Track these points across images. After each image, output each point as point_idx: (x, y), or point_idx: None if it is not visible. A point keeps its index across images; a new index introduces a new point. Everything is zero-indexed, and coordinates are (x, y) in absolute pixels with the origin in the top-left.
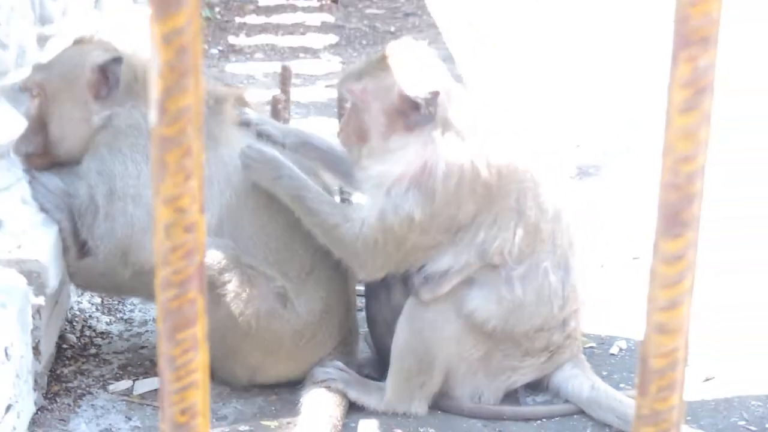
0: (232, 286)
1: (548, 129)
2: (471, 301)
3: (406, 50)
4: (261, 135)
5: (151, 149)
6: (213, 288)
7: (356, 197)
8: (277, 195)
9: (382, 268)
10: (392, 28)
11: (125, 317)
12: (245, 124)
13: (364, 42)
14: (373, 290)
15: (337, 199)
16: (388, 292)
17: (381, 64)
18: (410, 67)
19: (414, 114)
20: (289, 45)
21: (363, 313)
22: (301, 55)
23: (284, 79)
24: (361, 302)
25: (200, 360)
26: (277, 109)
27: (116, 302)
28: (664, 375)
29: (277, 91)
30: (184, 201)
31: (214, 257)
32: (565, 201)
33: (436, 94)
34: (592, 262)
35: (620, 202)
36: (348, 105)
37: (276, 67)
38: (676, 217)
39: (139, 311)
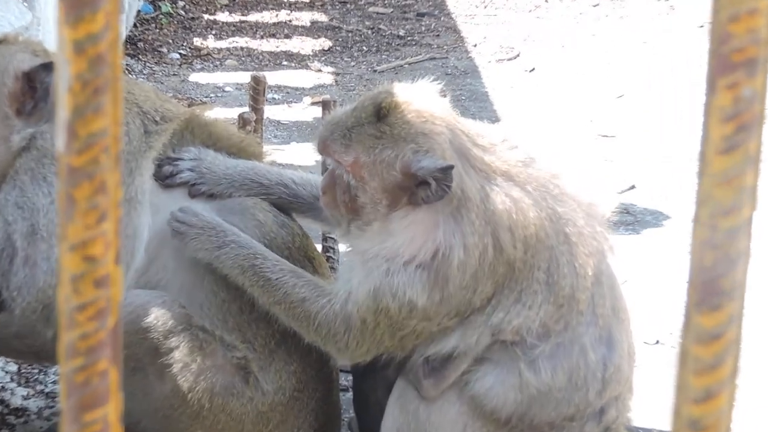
0: (179, 353)
1: (592, 166)
2: (480, 381)
3: (405, 101)
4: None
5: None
6: (156, 356)
7: (342, 245)
8: (222, 269)
9: (368, 352)
10: (401, 32)
11: (47, 390)
12: (170, 184)
13: (364, 48)
14: (363, 365)
15: (320, 247)
16: (384, 368)
17: (375, 127)
18: (414, 131)
19: (422, 190)
20: (269, 50)
21: (349, 394)
22: (285, 63)
23: (256, 93)
24: (347, 380)
25: None
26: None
27: (36, 371)
28: None
29: (246, 109)
30: (95, 248)
31: (159, 317)
32: (605, 257)
33: (449, 169)
34: (641, 335)
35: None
36: (330, 167)
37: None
38: (713, 285)
39: None
